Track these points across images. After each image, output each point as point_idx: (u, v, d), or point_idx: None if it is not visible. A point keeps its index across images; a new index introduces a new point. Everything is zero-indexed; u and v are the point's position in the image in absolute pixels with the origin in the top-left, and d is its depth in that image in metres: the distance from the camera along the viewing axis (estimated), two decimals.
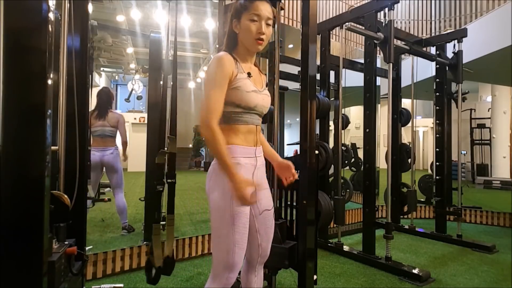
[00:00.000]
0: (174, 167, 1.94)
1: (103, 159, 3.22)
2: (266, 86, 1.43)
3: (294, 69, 3.46)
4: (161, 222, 3.25)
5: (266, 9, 1.23)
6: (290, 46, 5.46)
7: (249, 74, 1.25)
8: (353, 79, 3.99)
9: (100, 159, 3.21)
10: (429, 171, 6.13)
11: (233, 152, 1.22)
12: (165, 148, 1.99)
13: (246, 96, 1.21)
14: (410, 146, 3.80)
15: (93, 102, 3.20)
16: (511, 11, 4.45)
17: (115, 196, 3.34)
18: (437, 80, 3.77)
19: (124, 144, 3.43)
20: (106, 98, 3.34)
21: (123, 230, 3.34)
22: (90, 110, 2.89)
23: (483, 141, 9.31)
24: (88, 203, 2.96)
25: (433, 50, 3.81)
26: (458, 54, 3.52)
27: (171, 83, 2.08)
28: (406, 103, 4.37)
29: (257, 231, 1.34)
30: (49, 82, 1.07)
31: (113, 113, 3.34)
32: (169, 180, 1.93)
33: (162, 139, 2.05)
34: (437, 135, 3.76)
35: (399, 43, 3.35)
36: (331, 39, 3.38)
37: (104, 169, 3.32)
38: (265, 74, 1.43)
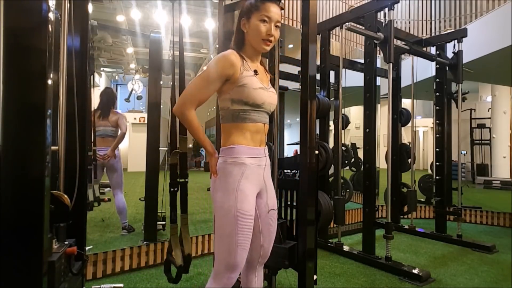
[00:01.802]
0: (187, 166, 1.96)
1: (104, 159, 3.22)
2: (273, 85, 1.43)
3: (294, 69, 3.45)
4: (160, 222, 3.29)
5: (276, 12, 1.24)
6: (290, 46, 5.46)
7: (255, 72, 1.25)
8: (353, 79, 3.99)
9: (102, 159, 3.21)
10: (429, 171, 6.13)
11: (238, 152, 1.22)
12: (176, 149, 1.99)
13: (254, 93, 1.21)
14: (410, 146, 3.80)
15: (95, 102, 3.20)
16: (511, 11, 4.45)
17: (115, 196, 3.34)
18: (437, 80, 3.77)
19: (123, 134, 3.38)
20: (109, 98, 3.38)
21: (123, 230, 3.34)
22: (92, 109, 2.90)
23: (483, 141, 9.31)
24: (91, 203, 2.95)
25: (433, 50, 3.81)
26: (458, 54, 3.52)
27: (170, 82, 2.08)
28: (406, 103, 4.37)
29: (260, 231, 1.33)
30: (49, 82, 1.07)
31: (114, 113, 3.37)
32: (181, 180, 1.94)
33: (174, 140, 2.04)
34: (437, 135, 3.76)
35: (399, 43, 3.35)
36: (331, 39, 3.38)
37: (104, 169, 3.32)
38: (272, 74, 1.43)
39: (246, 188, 1.21)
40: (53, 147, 1.22)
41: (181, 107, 1.20)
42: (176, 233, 1.94)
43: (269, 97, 1.28)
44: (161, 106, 3.23)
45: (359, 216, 4.11)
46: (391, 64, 2.78)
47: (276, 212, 1.38)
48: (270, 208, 1.35)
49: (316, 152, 1.88)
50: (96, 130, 3.26)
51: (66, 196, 1.29)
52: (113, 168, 3.29)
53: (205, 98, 1.22)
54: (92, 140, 3.09)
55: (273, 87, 1.40)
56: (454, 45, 3.55)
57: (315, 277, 1.89)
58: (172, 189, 1.95)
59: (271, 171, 1.96)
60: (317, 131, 3.03)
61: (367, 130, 2.97)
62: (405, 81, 3.99)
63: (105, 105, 3.34)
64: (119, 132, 3.36)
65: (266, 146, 1.36)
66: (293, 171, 2.15)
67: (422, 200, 4.36)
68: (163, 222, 3.32)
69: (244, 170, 1.21)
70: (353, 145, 5.06)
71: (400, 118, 3.86)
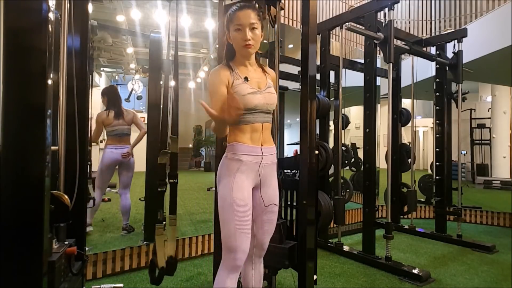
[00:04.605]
0: (176, 167, 1.94)
1: (121, 157, 3.23)
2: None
3: (294, 69, 3.45)
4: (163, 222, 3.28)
5: (247, 16, 1.33)
6: (290, 46, 5.45)
7: (245, 79, 1.36)
8: (353, 79, 3.99)
9: (119, 157, 3.22)
10: (429, 171, 6.12)
11: (236, 150, 1.35)
12: (167, 148, 1.99)
13: (243, 99, 1.31)
14: (410, 146, 3.80)
15: (94, 102, 3.19)
16: (511, 11, 4.45)
17: (122, 196, 3.32)
18: (437, 80, 3.77)
19: (144, 133, 3.37)
20: (116, 96, 3.37)
21: (123, 231, 3.33)
22: (91, 109, 2.89)
23: (483, 141, 9.30)
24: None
25: (433, 50, 3.81)
26: (458, 54, 3.52)
27: (171, 83, 2.08)
28: (406, 103, 4.36)
29: (253, 221, 1.41)
30: (49, 82, 1.07)
31: (127, 111, 3.38)
32: (171, 180, 1.93)
33: (164, 139, 2.04)
34: (437, 135, 3.76)
35: (399, 43, 3.35)
36: (331, 39, 3.38)
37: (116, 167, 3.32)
38: (273, 72, 1.53)
39: (241, 180, 1.34)
40: (53, 147, 1.22)
41: (216, 113, 1.25)
42: (161, 233, 1.93)
43: (263, 98, 1.37)
44: (161, 106, 3.23)
45: (359, 216, 4.11)
46: (391, 64, 2.78)
47: (275, 208, 1.46)
48: (270, 202, 1.43)
49: (316, 152, 1.88)
50: (111, 130, 3.25)
51: (66, 196, 1.29)
52: (129, 167, 3.31)
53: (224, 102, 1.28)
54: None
55: (272, 86, 1.48)
56: (454, 45, 3.55)
57: (315, 277, 1.89)
58: (160, 189, 1.94)
59: None
60: (317, 131, 3.03)
61: (367, 130, 2.97)
62: (405, 81, 3.99)
63: (116, 104, 3.30)
64: (141, 130, 3.36)
65: (272, 146, 1.43)
66: (293, 171, 2.15)
67: (422, 200, 4.36)
68: (163, 222, 3.32)
69: (240, 166, 1.34)
70: (353, 145, 5.05)
71: (400, 118, 3.86)
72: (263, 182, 1.41)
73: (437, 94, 3.75)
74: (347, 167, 4.70)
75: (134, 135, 3.47)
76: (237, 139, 1.36)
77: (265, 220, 1.44)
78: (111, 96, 3.32)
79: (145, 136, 3.15)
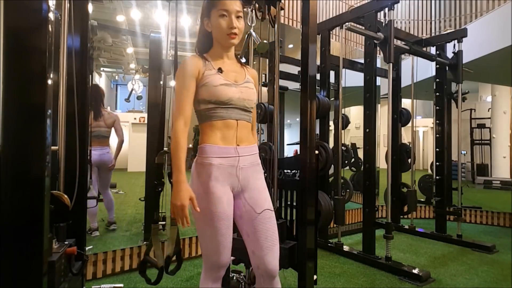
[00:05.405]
0: None
1: (101, 158, 3.24)
2: (263, 83, 1.43)
3: (294, 69, 3.45)
4: (160, 222, 3.29)
5: (234, 3, 1.22)
6: (290, 46, 5.45)
7: (219, 70, 1.23)
8: (353, 79, 3.99)
9: (98, 159, 3.22)
10: (429, 171, 6.12)
11: (206, 152, 1.21)
12: (165, 149, 1.99)
13: (214, 90, 1.19)
14: (410, 146, 3.80)
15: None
16: (511, 11, 4.45)
17: (104, 193, 3.36)
18: (437, 80, 3.77)
19: (121, 142, 3.42)
20: (97, 97, 3.29)
21: (112, 225, 3.38)
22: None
23: (483, 141, 9.30)
24: (92, 203, 2.96)
25: (433, 50, 3.81)
26: (458, 54, 3.52)
27: (170, 83, 2.08)
28: (406, 103, 4.36)
29: (247, 235, 1.26)
30: (49, 82, 1.07)
31: (109, 114, 3.34)
32: (171, 180, 1.92)
33: (162, 140, 2.04)
34: (437, 135, 3.76)
35: (399, 43, 3.35)
36: (331, 39, 3.38)
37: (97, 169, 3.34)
38: (264, 70, 1.42)
39: (218, 190, 1.19)
40: (53, 147, 1.22)
41: (173, 123, 1.20)
42: (157, 233, 1.92)
43: (239, 92, 1.23)
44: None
45: (359, 216, 4.11)
46: (391, 64, 2.78)
47: (267, 216, 1.25)
48: (262, 208, 1.25)
49: (316, 152, 1.88)
50: (90, 131, 3.24)
51: (66, 196, 1.29)
52: (107, 170, 3.33)
53: (189, 104, 1.21)
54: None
55: (268, 88, 1.39)
56: (454, 45, 3.55)
57: (315, 277, 1.89)
58: (156, 190, 1.93)
59: (271, 171, 1.97)
60: (317, 131, 3.03)
61: (367, 130, 2.97)
62: (405, 81, 3.99)
63: (95, 105, 3.24)
64: (118, 138, 3.37)
65: (251, 145, 1.29)
66: (293, 171, 2.15)
67: (422, 200, 4.35)
68: (163, 222, 3.32)
69: (212, 171, 1.19)
70: (353, 145, 5.05)
71: (400, 118, 3.86)
72: (244, 187, 1.25)
73: (437, 94, 3.75)
74: (347, 167, 4.70)
75: (134, 140, 3.47)
76: (206, 139, 1.21)
77: (259, 231, 1.22)
78: (91, 96, 3.30)
79: (145, 136, 3.15)
